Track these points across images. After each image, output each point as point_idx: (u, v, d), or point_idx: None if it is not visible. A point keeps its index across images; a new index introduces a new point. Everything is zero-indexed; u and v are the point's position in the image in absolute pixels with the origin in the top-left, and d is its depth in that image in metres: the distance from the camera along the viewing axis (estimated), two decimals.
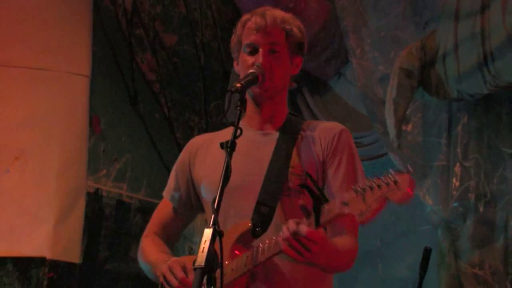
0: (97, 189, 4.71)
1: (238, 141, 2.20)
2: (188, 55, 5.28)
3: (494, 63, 3.50)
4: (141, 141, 5.02)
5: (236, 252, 2.13)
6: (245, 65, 2.27)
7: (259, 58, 2.23)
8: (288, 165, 2.21)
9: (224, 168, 1.96)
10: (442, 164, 3.87)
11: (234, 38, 2.34)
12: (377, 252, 4.35)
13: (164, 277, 2.17)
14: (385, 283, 4.30)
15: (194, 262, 1.82)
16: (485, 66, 3.53)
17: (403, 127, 3.91)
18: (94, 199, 4.65)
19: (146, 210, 4.99)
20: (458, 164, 3.80)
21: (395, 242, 4.34)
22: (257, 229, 2.13)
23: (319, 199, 1.94)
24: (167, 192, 2.46)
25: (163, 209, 2.47)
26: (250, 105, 2.28)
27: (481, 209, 3.69)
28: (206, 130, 5.34)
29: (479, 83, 3.60)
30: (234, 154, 2.17)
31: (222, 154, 2.07)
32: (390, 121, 3.83)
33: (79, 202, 4.33)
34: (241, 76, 2.27)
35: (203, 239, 1.83)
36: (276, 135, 2.30)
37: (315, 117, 4.82)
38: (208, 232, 1.84)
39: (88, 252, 4.51)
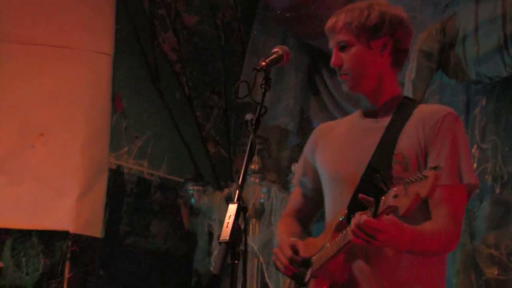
0: (119, 166, 4.78)
1: (351, 130, 2.29)
2: (209, 35, 5.29)
3: None
4: (162, 120, 5.07)
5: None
6: None
7: (332, 58, 2.27)
8: (393, 153, 2.14)
9: (249, 146, 1.95)
10: None
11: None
12: None
13: (277, 256, 2.23)
14: None
15: (218, 236, 1.82)
16: (504, 49, 3.51)
17: None
18: (115, 175, 4.71)
19: (166, 187, 5.04)
20: (475, 146, 3.79)
21: None
22: (351, 216, 2.04)
23: (379, 191, 1.91)
24: (296, 179, 2.49)
25: (295, 195, 2.51)
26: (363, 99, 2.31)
27: (497, 191, 3.69)
28: (225, 110, 5.37)
29: (499, 66, 3.58)
30: (346, 143, 2.26)
31: (341, 142, 2.20)
32: None
33: (102, 178, 4.36)
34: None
35: (228, 214, 1.82)
36: (386, 122, 2.24)
37: (332, 97, 4.84)
38: (232, 208, 1.83)
39: (109, 227, 4.56)
